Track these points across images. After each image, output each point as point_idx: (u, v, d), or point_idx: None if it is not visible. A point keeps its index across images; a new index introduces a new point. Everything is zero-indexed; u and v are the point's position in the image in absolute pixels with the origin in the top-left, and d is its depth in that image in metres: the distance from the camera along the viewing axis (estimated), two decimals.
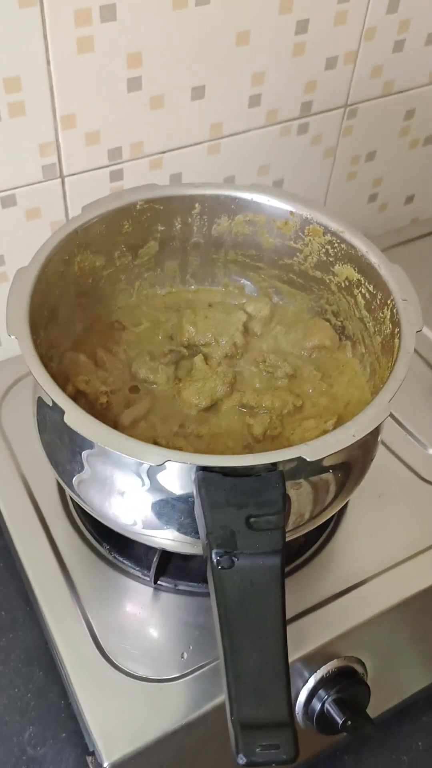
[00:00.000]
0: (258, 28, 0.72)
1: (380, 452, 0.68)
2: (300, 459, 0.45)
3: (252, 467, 0.45)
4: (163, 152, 0.76)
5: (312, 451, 0.45)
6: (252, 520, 0.44)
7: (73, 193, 0.74)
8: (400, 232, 0.98)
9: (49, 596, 0.58)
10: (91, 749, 0.52)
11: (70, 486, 0.53)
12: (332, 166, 0.89)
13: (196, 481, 0.45)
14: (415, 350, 0.54)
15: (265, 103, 0.78)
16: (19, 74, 0.63)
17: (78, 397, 0.58)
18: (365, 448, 0.53)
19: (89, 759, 0.54)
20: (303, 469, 0.48)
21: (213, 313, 0.65)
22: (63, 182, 0.72)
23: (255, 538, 0.44)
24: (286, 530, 0.50)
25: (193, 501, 0.46)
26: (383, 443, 0.69)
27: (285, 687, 0.40)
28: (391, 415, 0.72)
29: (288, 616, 0.57)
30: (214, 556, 0.43)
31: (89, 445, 0.49)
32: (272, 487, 0.45)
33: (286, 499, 0.45)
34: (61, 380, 0.60)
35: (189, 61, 0.70)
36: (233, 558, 0.43)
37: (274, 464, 0.45)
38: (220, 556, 0.43)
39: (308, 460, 0.45)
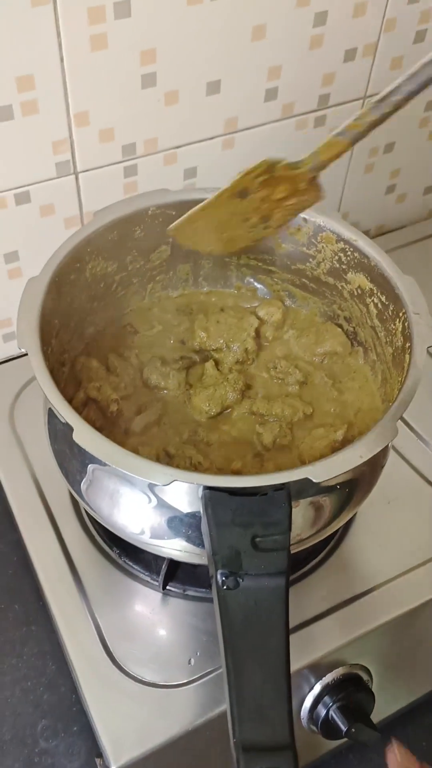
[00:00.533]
0: (274, 22, 0.70)
1: (391, 457, 0.68)
2: (306, 480, 0.45)
3: (259, 487, 0.45)
4: (178, 147, 0.75)
5: (319, 472, 0.45)
6: (258, 539, 0.45)
7: (87, 189, 0.73)
8: (417, 228, 0.97)
9: (59, 599, 0.59)
10: (99, 751, 0.53)
11: (80, 494, 0.54)
12: (350, 158, 0.88)
13: (203, 500, 0.45)
14: (428, 351, 0.53)
15: (281, 96, 0.77)
16: (32, 72, 0.63)
17: (89, 402, 0.59)
18: (373, 464, 0.54)
19: (98, 761, 0.55)
20: (310, 487, 0.48)
21: (225, 317, 0.64)
22: (77, 178, 0.72)
23: (260, 558, 0.44)
24: (294, 542, 0.51)
25: (200, 517, 0.47)
26: (394, 448, 0.69)
27: (286, 709, 0.41)
28: (403, 420, 0.72)
29: (296, 622, 0.59)
30: (219, 576, 0.44)
31: (98, 459, 0.49)
32: (278, 506, 0.45)
33: (291, 519, 0.45)
34: (74, 385, 0.60)
35: (204, 56, 0.69)
36: (238, 579, 0.44)
37: (282, 483, 0.45)
38: (226, 577, 0.44)
39: (315, 481, 0.45)
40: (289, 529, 0.45)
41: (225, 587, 0.43)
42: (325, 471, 0.45)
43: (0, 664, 0.68)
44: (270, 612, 0.43)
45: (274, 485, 0.45)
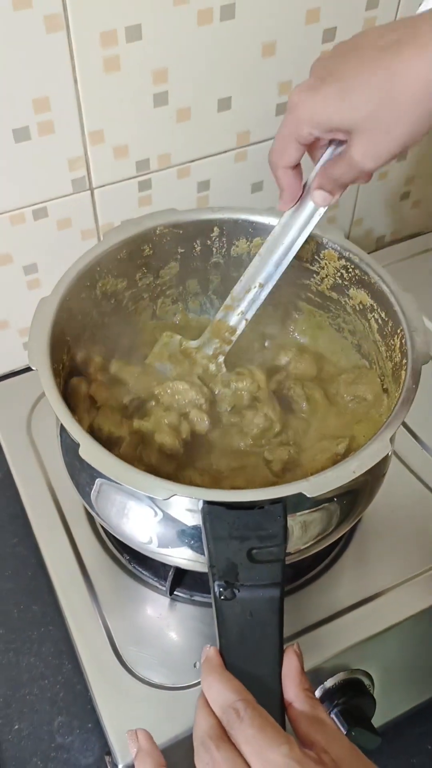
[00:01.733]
0: (284, 39, 0.72)
1: (394, 466, 0.70)
2: (301, 494, 0.47)
3: (255, 501, 0.47)
4: (191, 161, 0.77)
5: (312, 487, 0.47)
6: (254, 551, 0.46)
7: (102, 203, 0.76)
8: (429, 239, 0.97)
9: (71, 602, 0.62)
10: (108, 750, 0.56)
11: (90, 504, 0.56)
12: None
13: (202, 514, 0.47)
14: None
15: None
16: (47, 95, 0.65)
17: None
18: (372, 476, 0.55)
19: (107, 758, 0.58)
20: (306, 501, 0.49)
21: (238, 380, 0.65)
22: (92, 194, 0.74)
23: (256, 570, 0.46)
24: (293, 552, 0.53)
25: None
26: (398, 457, 0.71)
27: (279, 718, 0.42)
28: (406, 427, 0.73)
29: (300, 627, 0.60)
30: (216, 587, 0.46)
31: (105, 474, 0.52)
32: (274, 519, 0.47)
33: (287, 532, 0.47)
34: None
35: (215, 74, 0.71)
36: (234, 590, 0.45)
37: (277, 498, 0.47)
38: (223, 588, 0.45)
39: (308, 496, 0.47)
40: (285, 541, 0.47)
41: (222, 597, 0.45)
42: (318, 486, 0.47)
43: (19, 662, 0.70)
44: (265, 623, 0.45)
45: (271, 499, 0.47)
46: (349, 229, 0.95)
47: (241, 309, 0.62)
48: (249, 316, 0.62)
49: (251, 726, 0.39)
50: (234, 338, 0.63)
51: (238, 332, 0.63)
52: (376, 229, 0.98)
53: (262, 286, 0.60)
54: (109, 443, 0.57)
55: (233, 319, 0.63)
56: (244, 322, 0.63)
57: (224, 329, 0.63)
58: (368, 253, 0.60)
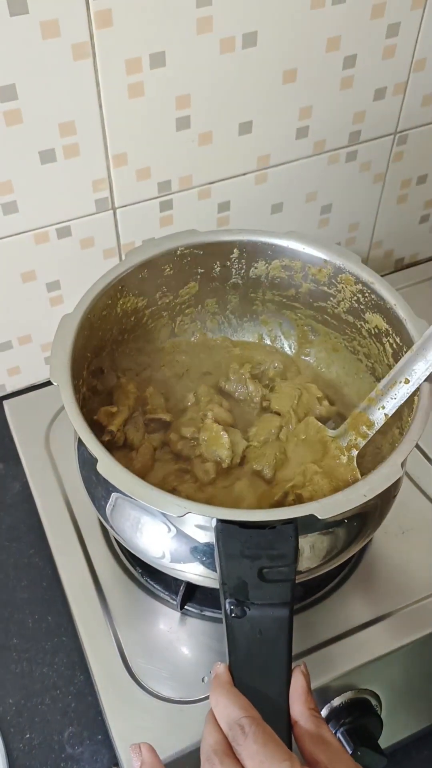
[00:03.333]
0: (305, 66, 0.73)
1: (406, 487, 0.70)
2: (312, 516, 0.48)
3: (268, 521, 0.48)
4: (211, 183, 0.78)
5: (323, 509, 0.48)
6: (265, 570, 0.47)
7: (124, 223, 0.77)
8: None
9: (83, 613, 0.63)
10: (116, 761, 0.57)
11: (105, 518, 0.57)
12: (382, 190, 0.90)
13: (215, 532, 0.48)
14: None
15: (312, 134, 0.80)
16: (73, 119, 0.67)
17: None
18: (382, 499, 0.56)
19: None
20: (317, 522, 0.50)
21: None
22: (114, 213, 0.76)
23: (266, 589, 0.47)
24: (304, 572, 0.54)
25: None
26: (411, 479, 0.71)
27: (286, 736, 0.43)
28: (419, 448, 0.74)
29: (309, 645, 0.61)
30: (227, 605, 0.46)
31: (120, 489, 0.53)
32: (286, 540, 0.48)
33: (297, 552, 0.48)
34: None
35: (236, 99, 0.73)
36: (245, 608, 0.46)
37: (289, 519, 0.48)
38: (234, 605, 0.46)
39: (320, 517, 0.48)
40: (295, 561, 0.48)
41: (233, 615, 0.46)
42: (330, 509, 0.48)
43: (32, 672, 0.72)
44: (274, 641, 0.46)
45: (283, 519, 0.48)
46: (368, 251, 0.97)
47: (382, 404, 0.59)
48: (389, 411, 0.59)
49: (255, 742, 0.40)
50: (371, 433, 0.61)
51: (376, 427, 0.61)
52: (395, 252, 0.99)
53: (407, 381, 0.57)
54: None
55: (375, 414, 0.60)
56: (383, 417, 0.60)
57: (363, 422, 0.61)
58: (386, 275, 0.61)
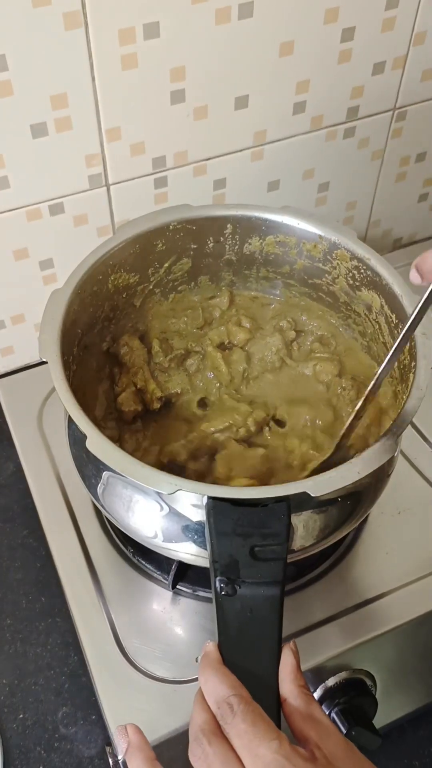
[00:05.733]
0: (302, 39, 0.72)
1: (402, 467, 0.70)
2: (305, 493, 0.47)
3: (260, 499, 0.47)
4: (207, 159, 0.77)
5: (316, 486, 0.47)
6: (256, 549, 0.47)
7: (118, 200, 0.76)
8: None
9: (76, 594, 0.63)
10: (109, 741, 0.57)
11: (96, 497, 0.57)
12: (380, 167, 0.89)
13: (206, 509, 0.48)
14: None
15: (309, 109, 0.78)
16: (65, 91, 0.66)
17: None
18: (377, 476, 0.55)
19: (107, 749, 0.59)
20: (310, 500, 0.50)
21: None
22: (108, 190, 0.75)
23: (257, 567, 0.46)
24: (297, 550, 0.53)
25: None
26: (405, 457, 0.70)
27: (275, 714, 0.43)
28: (415, 428, 0.73)
29: (303, 625, 0.60)
30: (217, 582, 0.46)
31: (111, 467, 0.52)
32: (278, 518, 0.47)
33: (290, 531, 0.47)
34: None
35: (232, 72, 0.71)
36: (236, 586, 0.46)
37: (282, 496, 0.48)
38: (224, 584, 0.46)
39: (312, 495, 0.47)
40: (287, 540, 0.47)
41: (223, 593, 0.46)
42: (323, 486, 0.47)
43: (26, 652, 0.71)
44: (264, 620, 0.45)
45: (275, 497, 0.48)
46: (366, 230, 0.95)
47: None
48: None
49: (243, 721, 0.39)
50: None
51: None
52: (393, 231, 0.98)
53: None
54: None
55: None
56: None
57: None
58: (385, 255, 0.60)
